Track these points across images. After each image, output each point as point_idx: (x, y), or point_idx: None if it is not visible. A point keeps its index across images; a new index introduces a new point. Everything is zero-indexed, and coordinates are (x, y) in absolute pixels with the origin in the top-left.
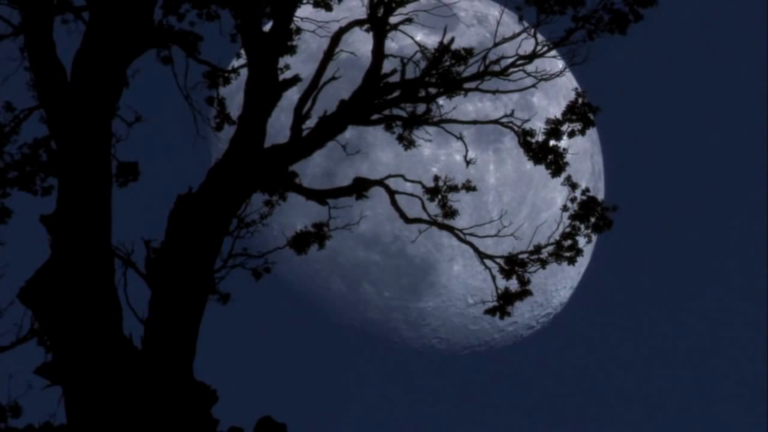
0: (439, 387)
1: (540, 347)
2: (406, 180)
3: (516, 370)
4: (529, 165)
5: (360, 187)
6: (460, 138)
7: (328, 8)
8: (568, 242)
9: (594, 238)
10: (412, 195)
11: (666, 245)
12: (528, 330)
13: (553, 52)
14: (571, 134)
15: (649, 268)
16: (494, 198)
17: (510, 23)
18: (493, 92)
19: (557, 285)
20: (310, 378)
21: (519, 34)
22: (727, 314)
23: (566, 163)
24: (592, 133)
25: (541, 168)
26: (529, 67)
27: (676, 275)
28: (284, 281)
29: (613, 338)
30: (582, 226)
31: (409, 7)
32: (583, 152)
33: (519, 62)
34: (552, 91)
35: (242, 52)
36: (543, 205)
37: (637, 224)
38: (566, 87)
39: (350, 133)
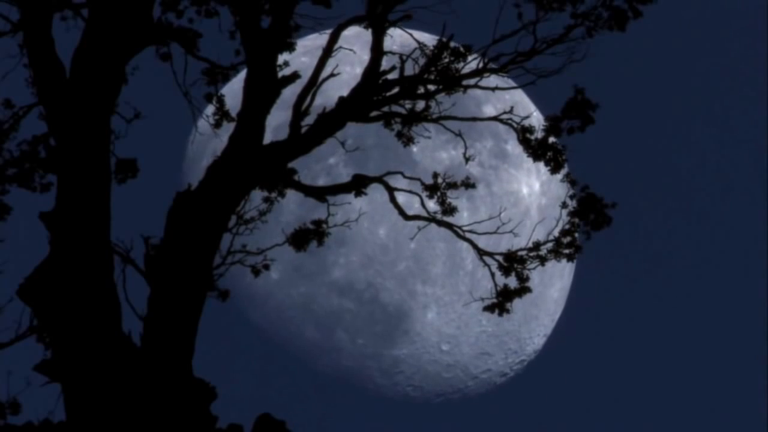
0: None
1: (514, 395)
2: (404, 177)
3: (490, 418)
4: (502, 212)
5: (359, 184)
6: (459, 135)
7: (327, 5)
8: (567, 239)
9: (571, 277)
10: (411, 192)
11: (641, 292)
12: (502, 377)
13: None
14: (570, 131)
15: (623, 316)
16: (468, 245)
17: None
18: (492, 89)
19: (531, 332)
20: None
21: (518, 31)
22: (708, 363)
23: (565, 160)
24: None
25: (515, 214)
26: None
27: (651, 323)
28: (258, 328)
29: (587, 386)
30: (581, 223)
31: (408, 4)
32: (556, 198)
33: (518, 59)
34: None
35: None
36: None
37: (611, 270)
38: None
39: (324, 179)
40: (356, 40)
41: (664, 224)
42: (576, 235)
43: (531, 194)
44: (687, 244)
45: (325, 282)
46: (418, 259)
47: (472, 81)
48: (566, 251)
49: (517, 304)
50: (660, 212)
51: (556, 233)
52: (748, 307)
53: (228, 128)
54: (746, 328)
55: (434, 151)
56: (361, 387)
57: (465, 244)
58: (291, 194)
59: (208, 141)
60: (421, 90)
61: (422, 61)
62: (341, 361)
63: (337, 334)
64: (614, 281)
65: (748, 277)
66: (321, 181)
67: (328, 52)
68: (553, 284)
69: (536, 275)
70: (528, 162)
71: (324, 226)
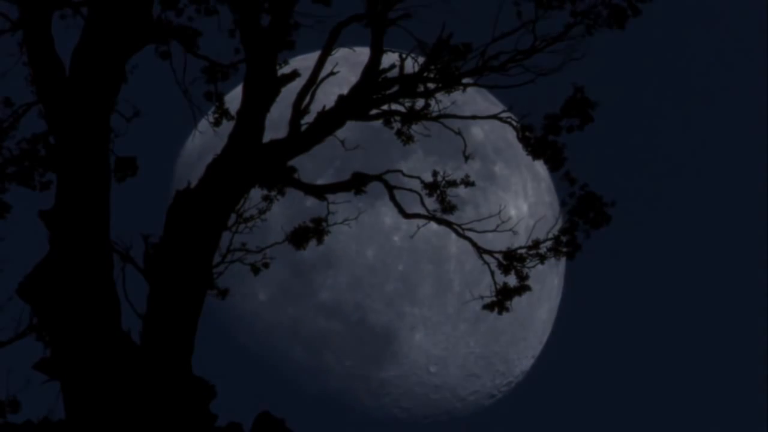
0: None
1: (501, 416)
2: (404, 175)
3: None
4: (490, 234)
5: (358, 182)
6: (459, 133)
7: (327, 3)
8: (567, 237)
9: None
10: (410, 190)
11: (628, 315)
12: (489, 399)
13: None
14: (570, 130)
15: (611, 338)
16: (455, 266)
17: (478, 98)
18: (491, 87)
19: (519, 354)
20: None
21: (517, 29)
22: (696, 392)
23: (565, 158)
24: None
25: (502, 239)
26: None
27: (639, 345)
28: (245, 349)
29: (576, 406)
30: (581, 222)
31: (408, 3)
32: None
33: (518, 57)
34: (513, 162)
35: None
36: None
37: (599, 291)
38: (527, 159)
39: (312, 201)
40: (344, 61)
41: (663, 226)
42: (575, 233)
43: (519, 216)
44: (685, 247)
45: (313, 304)
46: (406, 281)
47: (471, 79)
48: (565, 249)
49: (505, 325)
50: (659, 213)
51: (555, 232)
52: (749, 308)
53: (228, 127)
54: (746, 328)
55: (422, 172)
56: (349, 409)
57: (453, 265)
58: (282, 211)
59: (208, 139)
60: (421, 88)
61: (422, 59)
62: (329, 382)
63: (325, 356)
64: (603, 297)
65: (748, 278)
66: (309, 203)
67: (327, 50)
68: (542, 305)
69: (524, 296)
70: (516, 184)
71: (324, 224)
